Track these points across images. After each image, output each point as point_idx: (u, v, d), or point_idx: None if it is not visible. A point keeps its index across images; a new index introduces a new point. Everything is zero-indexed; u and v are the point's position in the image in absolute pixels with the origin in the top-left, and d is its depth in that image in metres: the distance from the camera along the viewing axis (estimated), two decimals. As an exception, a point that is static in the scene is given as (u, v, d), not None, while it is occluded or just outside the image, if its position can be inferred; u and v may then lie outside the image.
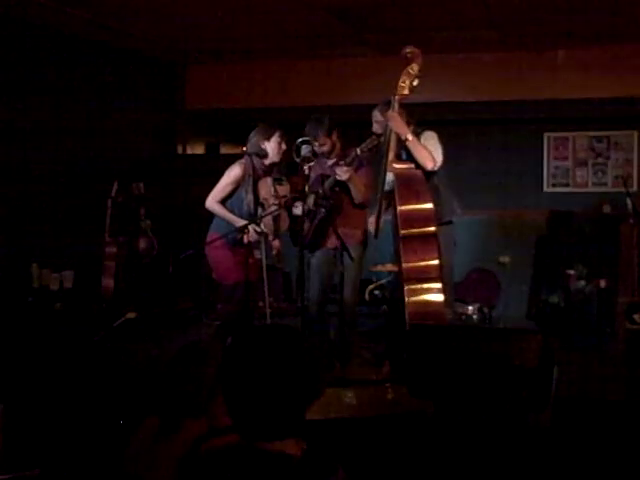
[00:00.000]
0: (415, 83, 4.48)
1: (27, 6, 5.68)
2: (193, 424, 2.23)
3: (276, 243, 5.04)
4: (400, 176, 4.49)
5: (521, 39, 6.71)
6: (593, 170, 7.73)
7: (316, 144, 4.92)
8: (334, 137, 4.98)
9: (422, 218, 4.40)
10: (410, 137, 4.51)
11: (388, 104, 4.63)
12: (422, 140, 4.62)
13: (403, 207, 4.40)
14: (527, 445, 3.29)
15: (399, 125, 4.52)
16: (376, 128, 4.81)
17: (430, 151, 4.57)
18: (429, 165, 4.53)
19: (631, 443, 3.61)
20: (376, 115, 4.82)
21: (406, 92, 4.49)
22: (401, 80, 4.48)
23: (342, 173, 4.73)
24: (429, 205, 4.42)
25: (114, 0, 5.61)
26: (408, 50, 4.49)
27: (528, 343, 3.39)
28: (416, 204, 4.42)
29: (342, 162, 4.73)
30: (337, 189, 4.89)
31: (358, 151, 4.63)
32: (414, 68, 4.46)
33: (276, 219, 4.92)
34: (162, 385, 2.39)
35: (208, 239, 4.94)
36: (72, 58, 6.59)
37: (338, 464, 1.63)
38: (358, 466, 2.79)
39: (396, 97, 4.49)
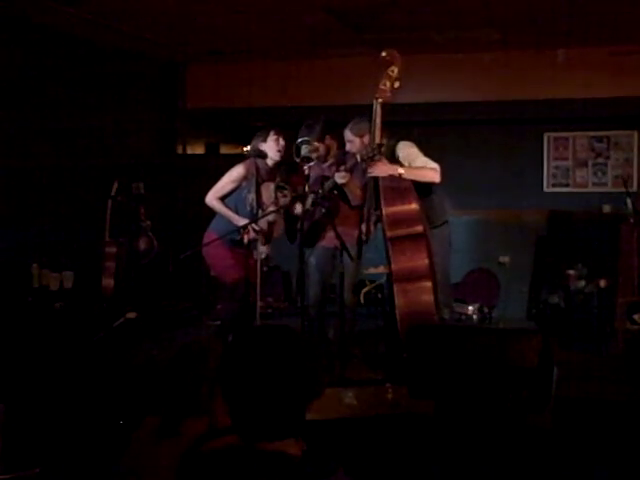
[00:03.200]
0: (396, 85, 4.49)
1: (27, 6, 5.69)
2: (193, 424, 2.23)
3: (265, 248, 5.02)
4: (385, 178, 4.50)
5: (521, 39, 6.71)
6: (593, 170, 7.72)
7: (308, 150, 4.92)
8: (327, 141, 5.00)
9: (408, 219, 4.40)
10: (402, 170, 4.51)
11: (359, 123, 4.67)
12: (400, 153, 4.63)
13: (388, 209, 4.41)
14: (527, 445, 3.29)
15: (385, 170, 4.51)
16: (349, 147, 4.82)
17: (424, 166, 4.56)
18: (436, 177, 4.54)
19: (631, 443, 3.61)
20: (347, 135, 4.82)
21: (388, 95, 4.50)
22: (381, 83, 4.49)
23: (340, 178, 4.75)
24: (414, 205, 4.43)
25: (114, 0, 5.61)
26: (384, 54, 4.51)
27: (528, 343, 3.40)
28: (401, 205, 4.43)
29: (342, 167, 4.75)
30: (335, 192, 4.91)
31: (358, 158, 4.64)
32: (394, 70, 4.48)
33: (270, 225, 4.94)
34: (162, 385, 2.39)
35: (206, 238, 4.96)
36: (72, 58, 6.59)
37: (338, 464, 1.63)
38: (358, 466, 2.79)
39: (378, 100, 4.50)
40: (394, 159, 4.64)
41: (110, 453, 2.83)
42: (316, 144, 4.87)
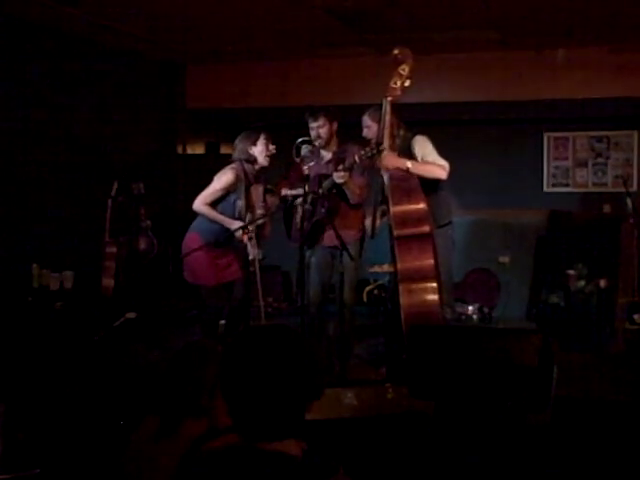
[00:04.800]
0: (407, 84, 4.49)
1: (27, 6, 5.69)
2: (193, 424, 2.23)
3: (254, 250, 5.02)
4: (393, 177, 4.50)
5: (521, 39, 6.72)
6: (593, 170, 7.73)
7: (314, 125, 4.93)
8: (334, 127, 5.01)
9: (415, 218, 4.41)
10: (410, 164, 4.52)
11: (378, 109, 4.66)
12: (416, 148, 4.64)
13: (396, 208, 4.41)
14: (527, 445, 3.29)
15: (394, 162, 4.53)
16: (366, 133, 4.83)
17: (433, 162, 4.57)
18: (443, 174, 4.56)
19: (631, 443, 3.61)
20: (366, 120, 4.83)
21: (398, 93, 4.50)
22: (392, 81, 4.49)
23: (339, 177, 4.75)
24: (422, 205, 4.43)
25: (114, 0, 5.61)
26: (396, 51, 4.51)
27: (528, 343, 3.39)
28: (409, 205, 4.43)
29: (340, 167, 4.75)
30: (334, 191, 4.91)
31: (357, 158, 4.64)
32: (405, 69, 4.47)
33: (260, 227, 4.94)
34: (162, 385, 2.39)
35: (188, 239, 4.92)
36: (72, 58, 6.59)
37: (338, 464, 1.63)
38: (358, 466, 2.78)
39: (388, 99, 4.50)
40: (409, 152, 4.66)
41: (110, 453, 2.83)
42: (320, 121, 4.89)
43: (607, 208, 7.32)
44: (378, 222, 4.76)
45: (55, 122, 6.38)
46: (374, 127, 4.73)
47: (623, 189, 6.30)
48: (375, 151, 4.54)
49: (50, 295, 6.03)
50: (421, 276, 4.36)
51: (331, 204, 4.89)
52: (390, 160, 4.53)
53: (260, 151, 4.86)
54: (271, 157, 4.92)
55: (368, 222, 4.85)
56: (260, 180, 4.96)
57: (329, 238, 4.93)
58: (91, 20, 6.10)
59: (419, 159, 4.64)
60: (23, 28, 6.08)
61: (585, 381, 4.69)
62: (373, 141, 4.64)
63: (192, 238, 4.91)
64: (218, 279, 4.92)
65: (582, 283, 6.40)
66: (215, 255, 4.88)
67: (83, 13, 5.90)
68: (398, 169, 4.50)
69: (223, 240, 4.77)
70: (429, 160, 4.62)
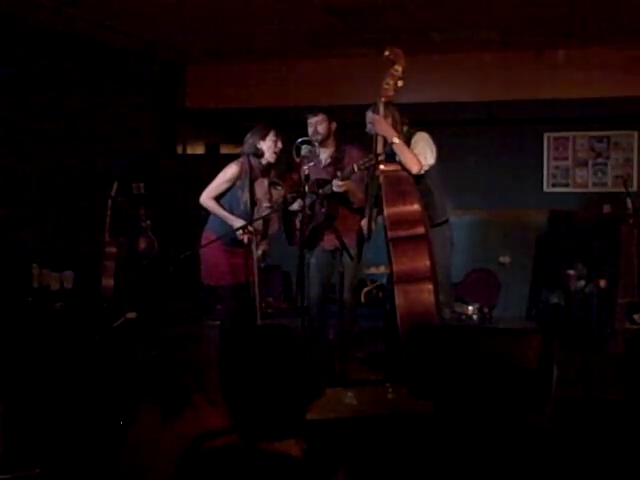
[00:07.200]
0: (400, 84, 4.50)
1: (27, 6, 5.69)
2: (194, 413, 2.22)
3: (263, 245, 5.02)
4: (387, 178, 4.50)
5: (521, 39, 6.72)
6: (593, 170, 7.73)
7: (313, 120, 4.94)
8: (332, 126, 5.02)
9: (410, 220, 4.40)
10: (396, 140, 4.51)
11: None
12: (413, 142, 4.63)
13: (390, 210, 4.40)
14: (527, 445, 3.29)
15: (384, 128, 4.53)
16: (369, 128, 4.83)
17: (416, 154, 4.56)
18: (414, 169, 4.52)
19: (631, 443, 3.61)
20: (369, 116, 4.83)
21: (391, 93, 4.51)
22: (385, 82, 4.50)
23: (338, 187, 4.75)
24: (416, 207, 4.42)
25: (114, 0, 5.61)
26: (387, 52, 4.51)
27: (528, 343, 3.39)
28: (403, 206, 4.42)
29: (338, 175, 4.75)
30: (335, 195, 4.91)
31: (355, 168, 4.65)
32: (397, 69, 4.48)
33: (266, 222, 4.94)
34: (156, 373, 2.39)
35: (204, 239, 4.93)
36: (72, 58, 6.59)
37: (338, 464, 1.63)
38: (358, 466, 2.79)
39: (382, 99, 4.51)
40: (408, 145, 4.66)
41: (110, 453, 2.83)
42: (320, 117, 4.89)
43: (607, 208, 7.32)
44: (373, 225, 4.76)
45: (55, 121, 6.38)
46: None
47: (623, 189, 6.30)
48: (373, 162, 4.54)
49: (50, 295, 6.03)
50: (417, 277, 4.36)
51: (330, 208, 4.89)
52: (382, 126, 4.53)
53: (268, 147, 4.88)
54: (279, 154, 4.94)
55: (364, 223, 4.85)
56: (266, 175, 4.96)
57: (329, 241, 4.93)
58: (91, 20, 6.10)
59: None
60: (23, 28, 6.08)
61: (585, 381, 4.69)
62: (374, 137, 4.63)
63: (207, 238, 4.91)
64: (235, 278, 4.88)
65: (582, 283, 6.40)
66: (231, 254, 4.86)
67: (83, 13, 5.91)
68: (392, 177, 4.50)
69: (235, 238, 4.77)
70: (414, 151, 4.61)
